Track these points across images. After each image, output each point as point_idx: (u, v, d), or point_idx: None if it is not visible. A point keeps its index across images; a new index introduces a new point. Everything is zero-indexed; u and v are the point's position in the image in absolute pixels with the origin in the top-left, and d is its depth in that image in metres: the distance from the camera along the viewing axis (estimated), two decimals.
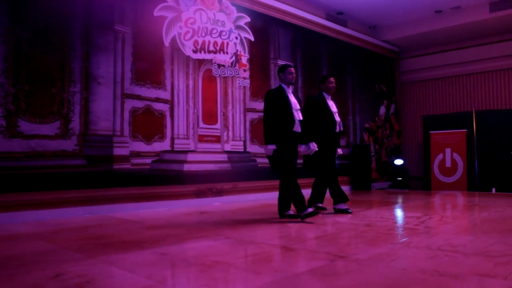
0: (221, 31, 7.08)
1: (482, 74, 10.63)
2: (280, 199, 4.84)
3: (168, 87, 6.40)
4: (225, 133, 7.12)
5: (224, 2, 7.17)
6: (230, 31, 7.22)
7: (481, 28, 9.88)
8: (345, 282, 2.32)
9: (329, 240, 3.60)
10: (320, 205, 5.54)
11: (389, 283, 2.29)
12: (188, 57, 6.66)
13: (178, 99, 6.50)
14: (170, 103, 6.41)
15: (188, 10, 6.65)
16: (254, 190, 7.32)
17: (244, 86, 7.46)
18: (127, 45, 5.94)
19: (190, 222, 4.80)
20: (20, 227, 4.35)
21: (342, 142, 9.24)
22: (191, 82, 6.70)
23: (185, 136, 6.56)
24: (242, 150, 7.39)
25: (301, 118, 4.81)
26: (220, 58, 7.06)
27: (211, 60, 6.94)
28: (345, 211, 5.22)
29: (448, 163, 9.88)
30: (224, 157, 7.06)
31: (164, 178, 6.20)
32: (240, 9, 7.43)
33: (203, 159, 6.74)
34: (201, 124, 6.79)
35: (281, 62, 8.16)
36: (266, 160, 7.82)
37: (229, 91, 7.24)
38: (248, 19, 7.52)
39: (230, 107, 7.23)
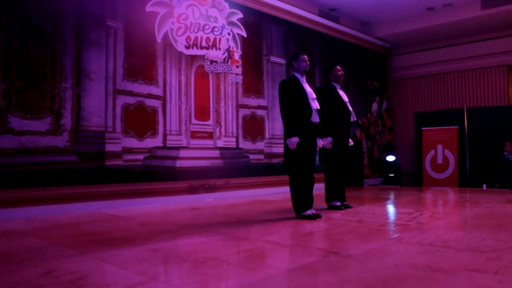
0: (214, 27, 7.06)
1: (474, 71, 10.70)
2: (293, 197, 4.50)
3: (161, 83, 6.37)
4: (217, 129, 7.10)
5: None
6: (223, 27, 7.20)
7: (472, 25, 9.94)
8: (338, 278, 2.33)
9: (322, 236, 3.61)
10: (345, 203, 5.26)
11: (381, 278, 2.30)
12: (181, 53, 6.64)
13: (170, 95, 6.48)
14: (163, 99, 6.38)
15: (180, 6, 6.62)
16: (246, 187, 7.32)
17: (237, 82, 7.45)
18: (119, 41, 5.91)
19: (182, 218, 4.79)
20: (12, 224, 4.31)
21: None
22: (183, 78, 6.68)
23: (178, 132, 6.54)
24: (235, 146, 7.38)
25: (318, 107, 4.55)
26: (213, 54, 7.03)
27: (203, 56, 6.92)
28: (338, 208, 5.14)
29: (439, 160, 9.95)
30: (216, 153, 7.05)
31: (157, 174, 6.18)
32: (233, 5, 7.41)
33: (195, 155, 6.72)
34: (194, 120, 6.77)
35: (273, 58, 8.16)
36: (258, 156, 7.91)
37: (222, 87, 7.23)
38: (240, 15, 7.50)
39: (222, 103, 7.22)
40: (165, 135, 6.37)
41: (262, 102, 7.91)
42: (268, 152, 7.90)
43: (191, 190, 6.55)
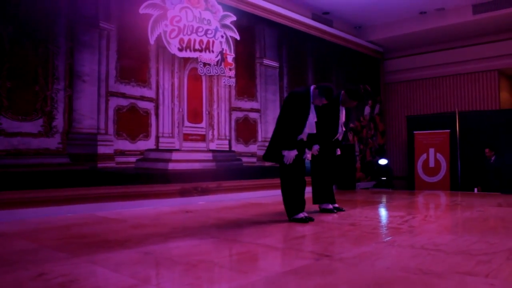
0: (207, 30, 7.05)
1: (466, 75, 10.77)
2: (285, 201, 4.51)
3: (153, 86, 6.36)
4: (210, 132, 7.10)
5: (210, 1, 7.14)
6: (216, 29, 7.20)
7: (464, 29, 10.01)
8: (329, 281, 2.34)
9: (314, 239, 3.62)
10: (337, 205, 5.29)
11: (373, 281, 2.30)
12: (174, 56, 6.63)
13: (163, 97, 6.46)
14: (155, 101, 6.36)
15: (173, 8, 6.61)
16: (239, 189, 7.31)
17: (230, 85, 7.45)
18: (112, 43, 5.89)
19: (174, 221, 4.78)
20: (3, 226, 4.28)
21: None
22: (176, 81, 6.67)
23: (170, 135, 6.52)
24: (227, 149, 7.38)
25: (314, 131, 4.52)
26: (206, 56, 7.03)
27: (196, 58, 6.91)
28: (330, 211, 5.16)
29: (431, 163, 10.00)
30: (209, 156, 7.04)
31: (149, 177, 6.16)
32: (226, 7, 7.41)
33: (188, 158, 6.71)
34: (186, 123, 6.76)
35: (266, 61, 8.17)
36: (251, 159, 7.90)
37: (215, 90, 7.22)
38: (234, 18, 7.50)
39: (215, 106, 7.21)
40: (157, 137, 6.35)
41: (255, 105, 7.91)
42: (261, 155, 7.89)
43: (184, 193, 6.53)
